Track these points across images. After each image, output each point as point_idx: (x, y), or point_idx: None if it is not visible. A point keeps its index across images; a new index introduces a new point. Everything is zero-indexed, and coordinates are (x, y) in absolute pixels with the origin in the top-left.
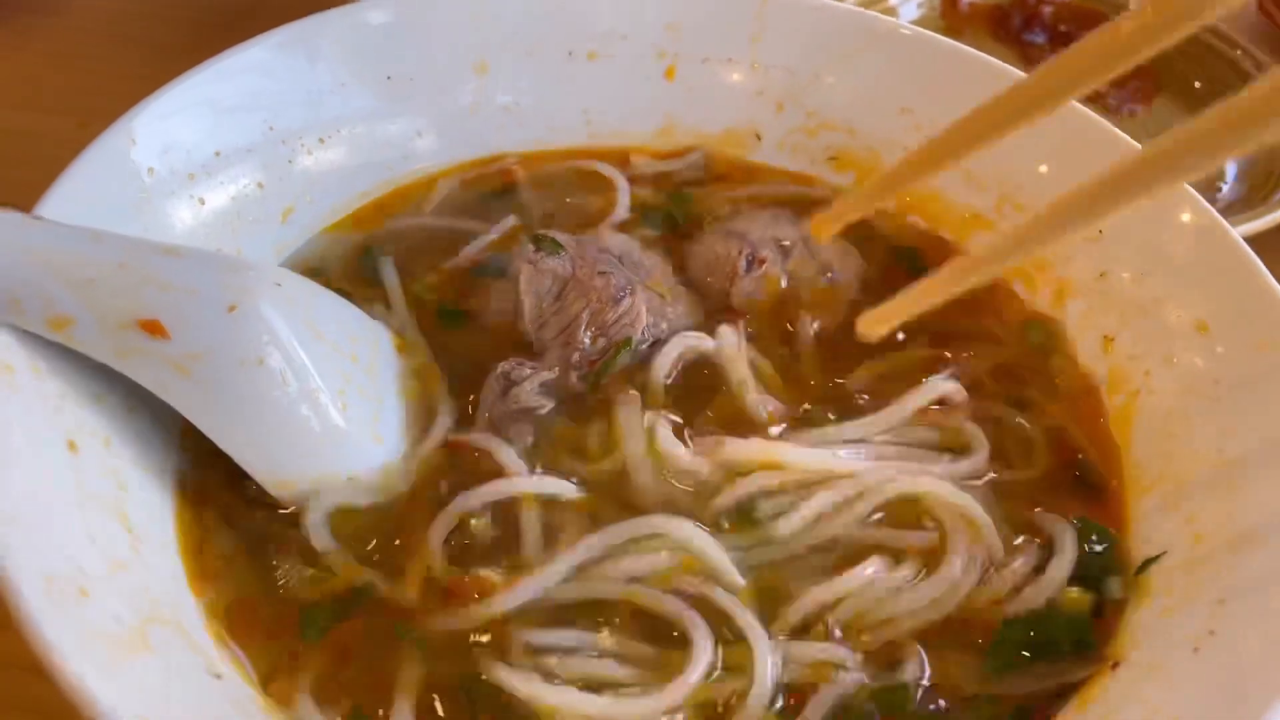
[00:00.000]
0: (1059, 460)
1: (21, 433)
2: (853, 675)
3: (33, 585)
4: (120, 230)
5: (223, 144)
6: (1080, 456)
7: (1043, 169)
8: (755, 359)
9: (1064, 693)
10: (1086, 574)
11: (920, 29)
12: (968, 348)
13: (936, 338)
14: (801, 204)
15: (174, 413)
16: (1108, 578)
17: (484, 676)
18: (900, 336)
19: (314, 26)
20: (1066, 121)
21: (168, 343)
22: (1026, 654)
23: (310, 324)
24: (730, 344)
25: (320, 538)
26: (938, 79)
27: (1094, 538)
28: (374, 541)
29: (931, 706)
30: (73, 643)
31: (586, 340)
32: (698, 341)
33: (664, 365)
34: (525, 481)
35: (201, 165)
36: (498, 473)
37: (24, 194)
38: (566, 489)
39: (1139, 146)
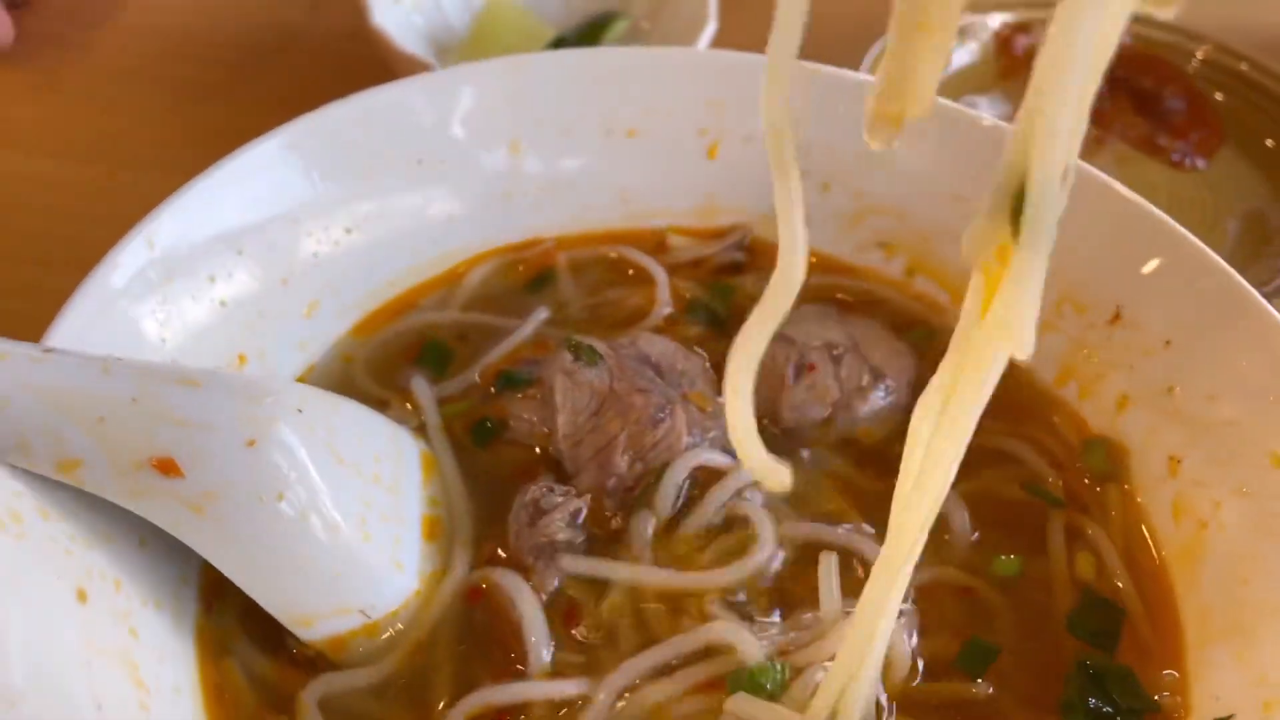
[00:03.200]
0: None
1: (29, 591)
2: None
3: None
4: (136, 341)
5: (245, 243)
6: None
7: (1108, 263)
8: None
9: None
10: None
11: (974, 112)
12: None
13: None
14: (849, 299)
15: (187, 546)
16: None
17: None
18: None
19: (340, 112)
20: (1135, 217)
21: (181, 482)
22: None
23: (331, 448)
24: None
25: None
26: (991, 162)
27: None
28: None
29: None
30: None
31: (623, 465)
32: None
33: (669, 491)
34: (539, 687)
35: (222, 265)
36: (516, 630)
37: (52, 244)
38: (578, 690)
39: (1215, 255)
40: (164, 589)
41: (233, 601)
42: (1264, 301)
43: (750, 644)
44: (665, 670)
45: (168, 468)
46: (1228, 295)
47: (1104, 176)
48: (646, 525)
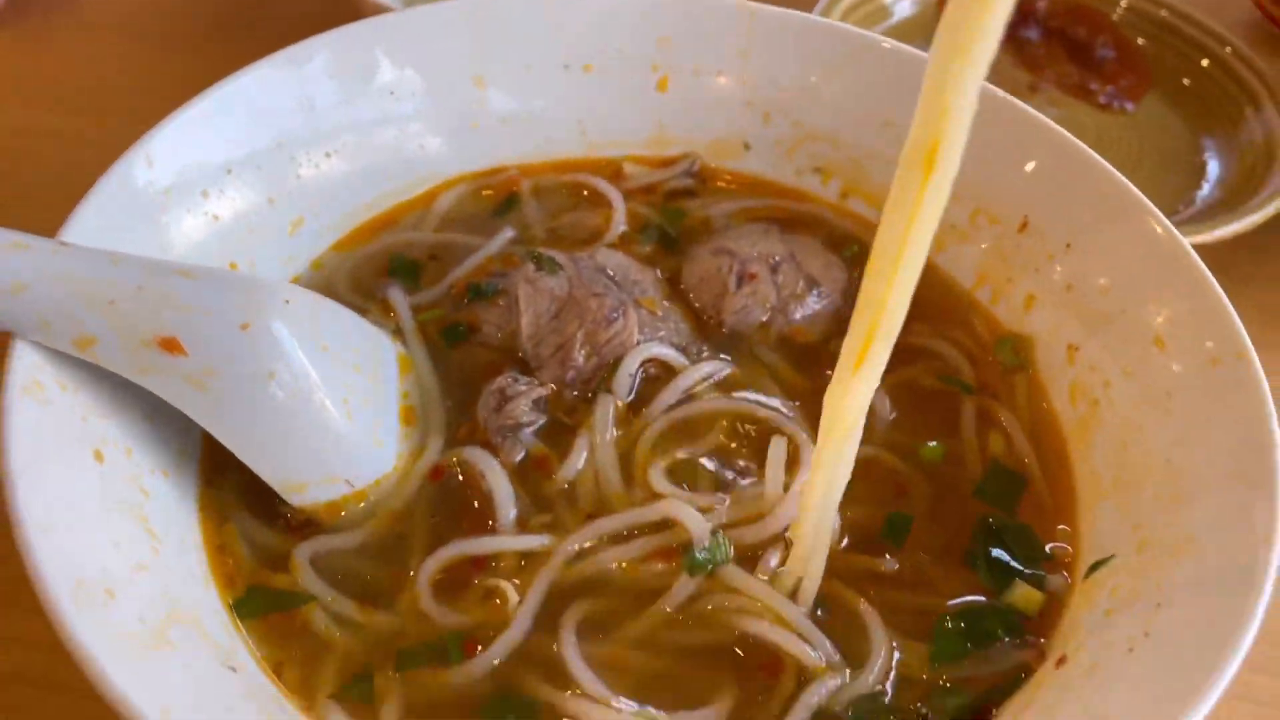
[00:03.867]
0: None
1: (52, 444)
2: (829, 679)
3: (64, 590)
4: (139, 246)
5: (234, 161)
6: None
7: (1016, 178)
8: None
9: (1012, 685)
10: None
11: (900, 44)
12: (935, 361)
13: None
14: (789, 219)
15: (191, 422)
16: (1050, 575)
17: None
18: None
19: (318, 44)
20: (1038, 131)
21: (185, 359)
22: (969, 645)
23: (316, 337)
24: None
25: (308, 576)
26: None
27: (1013, 537)
28: (364, 578)
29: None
30: (101, 642)
31: (581, 358)
32: (661, 353)
33: (623, 379)
34: (509, 541)
35: (214, 182)
36: (486, 497)
37: (47, 192)
38: (541, 543)
39: (1106, 165)
40: (169, 460)
41: (231, 476)
42: (1150, 205)
43: (696, 520)
44: (623, 538)
45: (172, 347)
46: (1119, 201)
47: (1018, 103)
48: (608, 406)
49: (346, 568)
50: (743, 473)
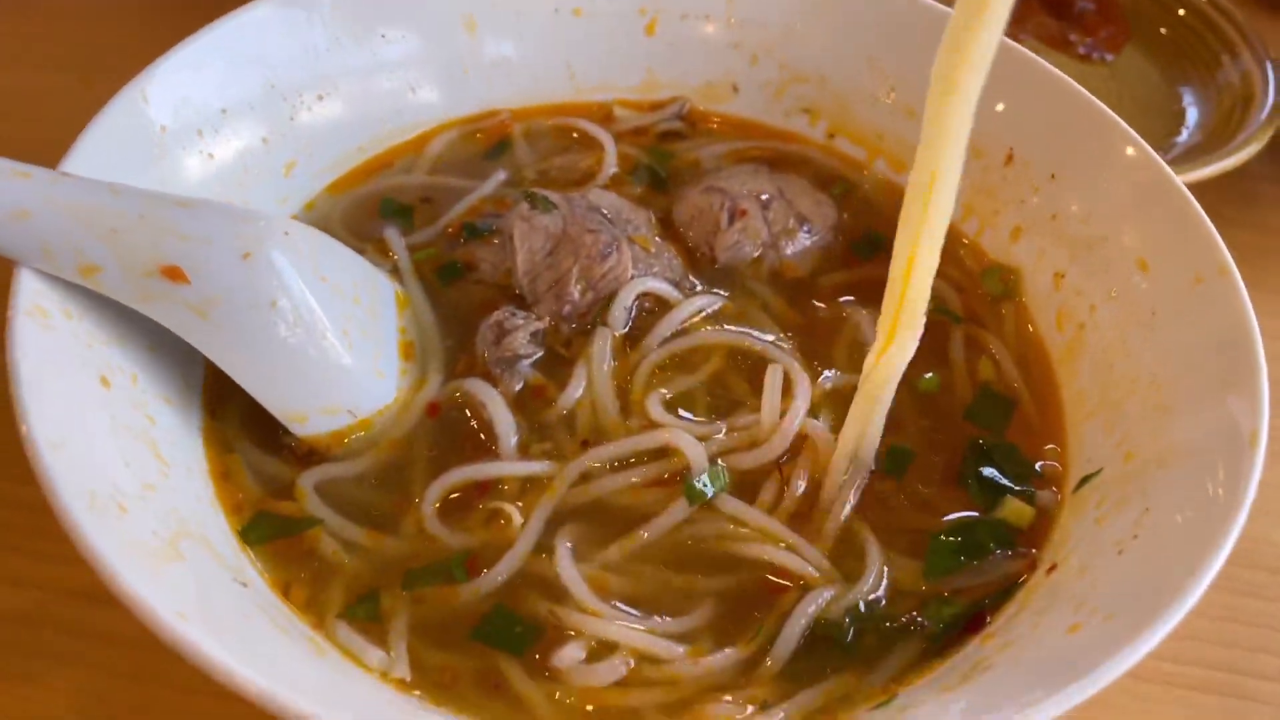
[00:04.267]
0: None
1: (59, 367)
2: (827, 589)
3: (79, 503)
4: (138, 182)
5: (228, 101)
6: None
7: (1001, 113)
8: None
9: (1006, 592)
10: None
11: None
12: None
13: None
14: (777, 159)
15: (195, 352)
16: (1040, 490)
17: None
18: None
19: None
20: (1021, 66)
21: (187, 288)
22: (961, 558)
23: (316, 268)
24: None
25: (313, 503)
26: (901, 29)
27: (1003, 456)
28: (369, 504)
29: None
30: (116, 551)
31: (576, 293)
32: (655, 287)
33: (619, 312)
34: (513, 466)
35: (209, 122)
36: (487, 426)
37: (36, 149)
38: (543, 468)
39: (1089, 96)
40: (173, 390)
41: (235, 407)
42: (1131, 132)
43: (694, 448)
44: (623, 465)
45: (175, 275)
46: (1101, 131)
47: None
48: (605, 338)
49: (351, 494)
50: (738, 402)
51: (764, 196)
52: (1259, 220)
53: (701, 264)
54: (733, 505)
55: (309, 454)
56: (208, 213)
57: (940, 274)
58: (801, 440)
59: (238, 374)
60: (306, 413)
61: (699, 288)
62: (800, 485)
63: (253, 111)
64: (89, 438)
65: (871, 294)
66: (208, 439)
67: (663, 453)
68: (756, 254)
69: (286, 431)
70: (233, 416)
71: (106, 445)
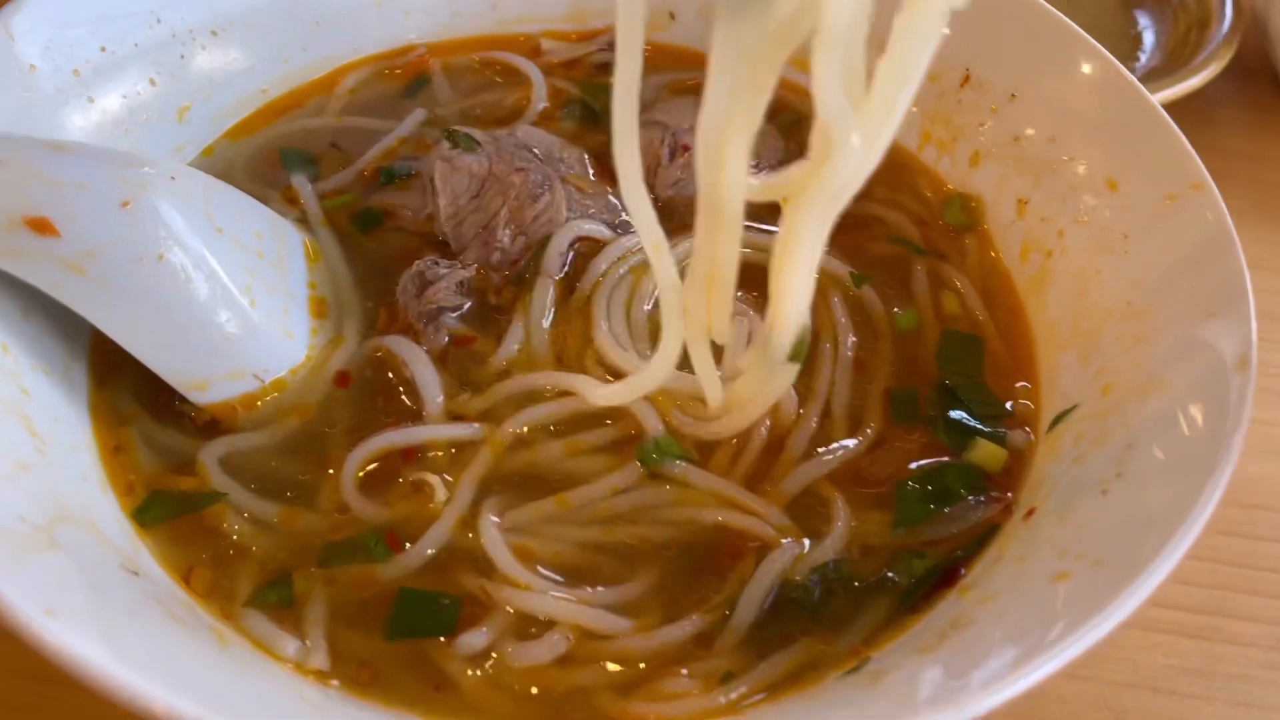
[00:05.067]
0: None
1: None
2: (789, 548)
3: None
4: (4, 129)
5: (109, 39)
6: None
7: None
8: None
9: (981, 540)
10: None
11: None
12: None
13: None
14: None
15: (79, 319)
16: (1012, 431)
17: None
18: None
19: None
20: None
21: (58, 241)
22: (931, 506)
23: (209, 218)
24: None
25: (218, 478)
26: None
27: (971, 395)
28: (280, 476)
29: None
30: None
31: (506, 238)
32: (592, 230)
33: (554, 258)
34: (437, 430)
35: (87, 61)
36: (410, 385)
37: None
38: (471, 432)
39: (1049, 7)
40: (53, 360)
41: (126, 377)
42: (1096, 44)
43: (647, 412)
44: (563, 429)
45: (42, 226)
46: (1063, 45)
47: None
48: (547, 288)
49: (260, 467)
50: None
51: None
52: (1217, 143)
53: None
54: (682, 469)
55: (211, 424)
56: (81, 157)
57: (898, 205)
58: None
59: (124, 338)
60: (207, 379)
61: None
62: (757, 444)
63: (138, 51)
64: None
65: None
66: (95, 412)
67: (608, 415)
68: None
69: (185, 400)
70: (124, 387)
71: None
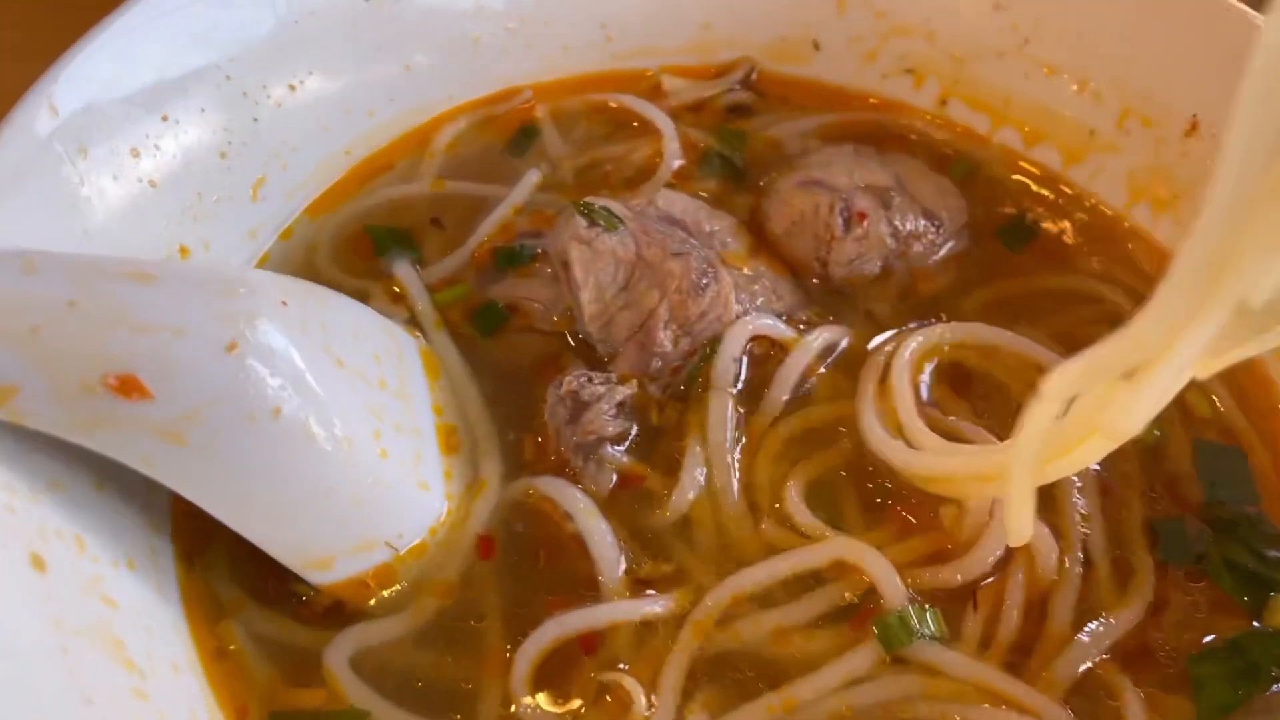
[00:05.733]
0: None
1: None
2: None
3: None
4: (53, 235)
5: (169, 105)
6: None
7: (1182, 67)
8: None
9: None
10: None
11: None
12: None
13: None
14: (876, 135)
15: (154, 482)
16: None
17: None
18: None
19: None
20: (1212, 7)
21: (149, 405)
22: (1239, 691)
23: (328, 349)
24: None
25: (353, 689)
26: None
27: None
28: (430, 679)
29: None
30: None
31: (668, 342)
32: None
33: (727, 367)
34: (621, 609)
35: (145, 135)
36: (575, 543)
37: None
38: (664, 609)
39: None
40: (135, 542)
41: (218, 549)
42: None
43: (886, 572)
44: (775, 595)
45: (129, 387)
46: None
47: None
48: (724, 405)
49: (400, 666)
50: (894, 492)
51: (882, 191)
52: None
53: (809, 285)
54: (928, 650)
55: (333, 608)
56: (171, 284)
57: (1107, 278)
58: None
59: (232, 516)
60: (331, 555)
61: (805, 317)
62: (1014, 612)
63: (203, 115)
64: (26, 679)
65: (1034, 310)
66: (188, 603)
67: (827, 574)
68: (879, 266)
69: (297, 577)
70: (218, 563)
71: (54, 680)
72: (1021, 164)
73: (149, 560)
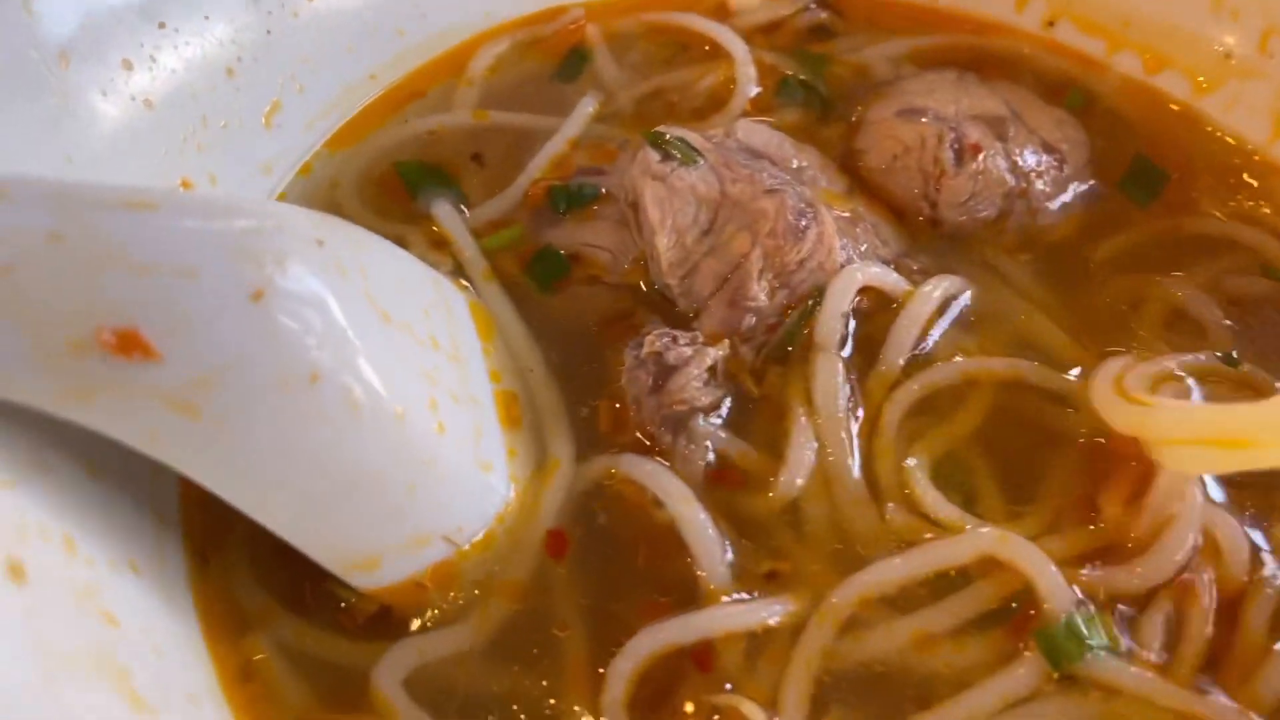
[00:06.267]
0: None
1: None
2: None
3: None
4: (27, 166)
5: (167, 9)
6: None
7: None
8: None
9: None
10: None
11: None
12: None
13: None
14: (975, 59)
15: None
16: None
17: None
18: None
19: None
20: None
21: (156, 367)
22: None
23: (370, 299)
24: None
25: (407, 712)
26: None
27: None
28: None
29: None
30: None
31: (763, 295)
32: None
33: (833, 324)
34: (731, 616)
35: (141, 45)
36: (666, 533)
37: None
38: (780, 614)
39: None
40: (137, 539)
41: (238, 547)
42: None
43: (1047, 571)
44: (910, 597)
45: (129, 344)
46: None
47: None
48: (834, 369)
49: (466, 687)
50: (1037, 476)
51: (997, 121)
52: None
53: (915, 227)
54: (1104, 665)
55: (380, 615)
56: (177, 216)
57: (1256, 219)
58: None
59: (258, 508)
60: (378, 553)
61: (916, 266)
62: (1204, 620)
63: (207, 23)
64: None
65: (1176, 260)
66: (205, 616)
67: (970, 573)
68: (998, 209)
69: (335, 578)
70: (238, 560)
71: None
72: (1144, 94)
73: (155, 562)
